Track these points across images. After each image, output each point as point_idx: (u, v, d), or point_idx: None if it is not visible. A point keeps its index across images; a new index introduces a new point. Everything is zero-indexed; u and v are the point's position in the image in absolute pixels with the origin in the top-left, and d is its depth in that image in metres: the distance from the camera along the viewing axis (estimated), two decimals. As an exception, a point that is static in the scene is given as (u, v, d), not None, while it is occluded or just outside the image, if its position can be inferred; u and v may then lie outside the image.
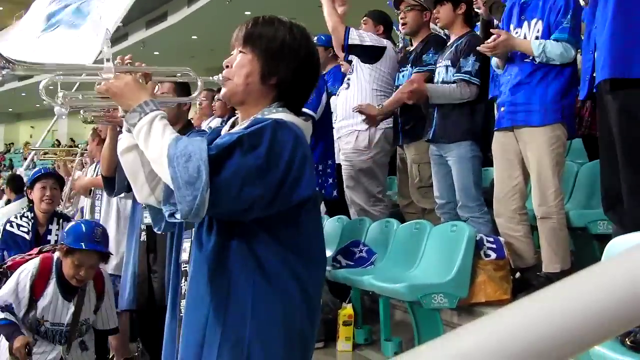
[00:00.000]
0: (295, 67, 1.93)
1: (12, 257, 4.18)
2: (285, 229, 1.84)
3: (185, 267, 1.92)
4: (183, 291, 1.92)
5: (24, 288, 3.64)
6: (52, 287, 3.70)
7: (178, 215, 1.76)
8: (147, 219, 4.28)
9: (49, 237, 4.79)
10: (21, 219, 4.87)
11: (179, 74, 2.18)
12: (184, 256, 1.97)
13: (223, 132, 2.01)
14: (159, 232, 2.02)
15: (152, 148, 1.78)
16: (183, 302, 1.92)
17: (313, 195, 1.87)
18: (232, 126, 2.02)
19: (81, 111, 3.33)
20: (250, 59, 1.93)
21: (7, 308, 3.59)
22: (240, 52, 1.95)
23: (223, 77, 1.96)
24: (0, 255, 4.72)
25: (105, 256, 3.85)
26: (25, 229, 4.80)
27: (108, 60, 1.92)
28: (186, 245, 1.96)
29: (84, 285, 3.79)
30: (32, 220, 4.86)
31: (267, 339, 1.81)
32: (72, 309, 3.73)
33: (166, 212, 1.90)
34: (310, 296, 1.89)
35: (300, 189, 1.78)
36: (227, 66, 1.97)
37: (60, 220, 4.93)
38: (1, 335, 3.63)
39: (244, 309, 1.80)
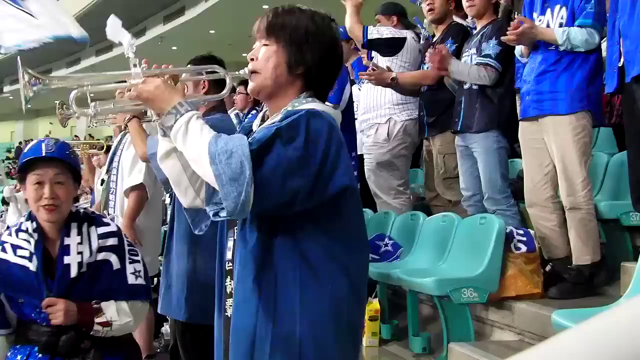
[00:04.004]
0: (321, 55, 1.93)
1: None
2: (328, 218, 1.83)
3: (230, 266, 1.95)
4: (229, 290, 1.95)
5: None
6: None
7: (223, 214, 1.76)
8: None
9: (66, 260, 2.65)
10: (17, 234, 2.72)
11: (207, 73, 2.21)
12: (228, 255, 1.99)
13: (254, 127, 2.01)
14: (200, 234, 2.06)
15: (191, 148, 1.78)
16: (229, 301, 1.94)
17: (351, 183, 1.86)
18: (263, 120, 2.02)
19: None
20: (275, 50, 1.92)
21: None
22: (264, 44, 1.94)
23: (249, 70, 1.95)
24: None
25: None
26: (26, 252, 2.68)
27: (135, 65, 1.90)
28: (229, 244, 1.98)
29: None
30: (36, 234, 2.70)
31: (318, 332, 1.81)
32: None
33: (210, 212, 1.90)
34: (357, 285, 1.90)
35: (338, 177, 1.78)
36: (252, 59, 1.96)
37: (84, 226, 2.74)
38: None
39: (293, 303, 1.80)
